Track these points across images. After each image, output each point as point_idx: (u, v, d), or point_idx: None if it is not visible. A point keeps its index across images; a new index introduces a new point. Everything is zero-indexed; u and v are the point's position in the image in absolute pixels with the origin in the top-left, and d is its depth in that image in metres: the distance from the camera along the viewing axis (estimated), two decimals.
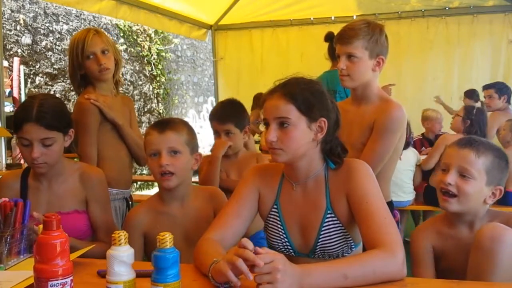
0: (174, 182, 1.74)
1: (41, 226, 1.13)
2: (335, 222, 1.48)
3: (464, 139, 1.63)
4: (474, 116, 3.99)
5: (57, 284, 1.08)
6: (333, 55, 3.23)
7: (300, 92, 1.44)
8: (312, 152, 1.49)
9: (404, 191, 4.16)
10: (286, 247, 1.54)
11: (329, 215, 1.49)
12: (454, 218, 1.60)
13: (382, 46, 2.05)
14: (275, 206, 1.57)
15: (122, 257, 1.14)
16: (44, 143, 1.77)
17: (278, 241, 1.55)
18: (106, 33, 2.47)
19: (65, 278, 1.09)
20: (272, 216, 1.57)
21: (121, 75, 2.51)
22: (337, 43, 2.10)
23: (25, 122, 1.75)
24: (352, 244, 1.51)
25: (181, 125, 1.81)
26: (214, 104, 7.49)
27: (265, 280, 1.13)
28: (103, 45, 2.34)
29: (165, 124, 1.78)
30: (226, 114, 2.49)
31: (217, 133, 2.52)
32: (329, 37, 3.24)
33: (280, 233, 1.55)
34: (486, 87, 4.73)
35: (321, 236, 1.49)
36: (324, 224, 1.48)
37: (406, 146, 4.21)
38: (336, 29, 2.78)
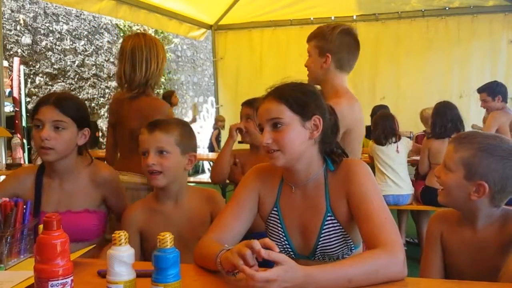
0: (162, 181, 1.77)
1: (41, 226, 1.13)
2: (335, 224, 1.48)
3: (461, 134, 1.63)
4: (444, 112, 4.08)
5: (58, 284, 1.08)
6: None
7: (290, 93, 1.46)
8: (310, 153, 1.49)
9: (400, 184, 4.18)
10: (286, 249, 1.54)
11: (329, 218, 1.48)
12: (461, 216, 1.58)
13: (329, 43, 2.12)
14: (275, 209, 1.57)
15: (123, 257, 1.14)
16: (56, 125, 1.78)
17: (279, 243, 1.55)
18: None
19: (65, 278, 1.09)
20: (272, 218, 1.57)
21: None
22: None
23: (42, 105, 1.79)
24: (352, 245, 1.50)
25: (173, 126, 1.81)
26: (214, 104, 7.49)
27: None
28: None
29: (155, 125, 1.80)
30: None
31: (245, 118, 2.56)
32: None
33: (280, 235, 1.55)
34: (478, 91, 4.57)
35: (321, 239, 1.48)
36: (324, 227, 1.48)
37: (398, 139, 4.22)
38: None
